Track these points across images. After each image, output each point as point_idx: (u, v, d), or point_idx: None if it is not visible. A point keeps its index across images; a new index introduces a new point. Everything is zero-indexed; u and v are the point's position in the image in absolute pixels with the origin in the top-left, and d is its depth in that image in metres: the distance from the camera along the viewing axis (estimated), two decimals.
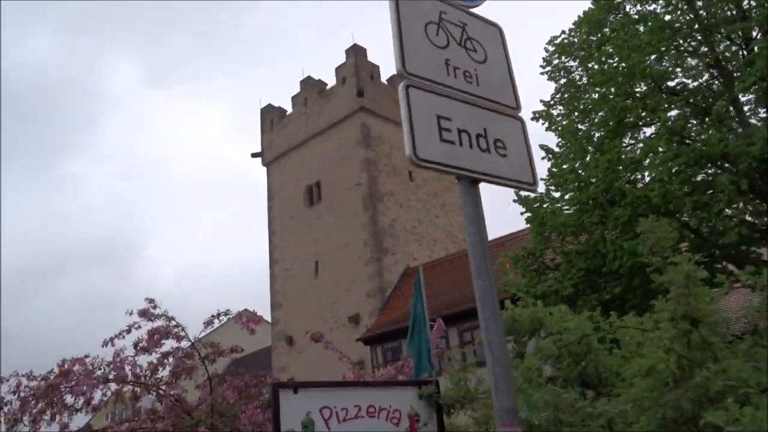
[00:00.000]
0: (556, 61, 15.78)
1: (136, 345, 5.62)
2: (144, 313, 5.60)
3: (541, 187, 14.31)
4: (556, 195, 13.99)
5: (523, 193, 13.94)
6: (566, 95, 15.12)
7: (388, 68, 34.67)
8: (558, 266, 14.46)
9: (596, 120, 14.25)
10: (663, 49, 12.43)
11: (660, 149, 10.14)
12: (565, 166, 13.95)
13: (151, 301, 5.74)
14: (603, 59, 14.53)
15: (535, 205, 13.63)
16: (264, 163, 33.42)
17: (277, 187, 32.34)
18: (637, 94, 12.83)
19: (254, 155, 33.81)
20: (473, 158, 2.36)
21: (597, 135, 13.43)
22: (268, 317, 31.54)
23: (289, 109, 33.26)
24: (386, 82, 31.70)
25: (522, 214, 13.82)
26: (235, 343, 6.31)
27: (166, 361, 5.78)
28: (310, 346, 28.61)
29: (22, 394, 5.40)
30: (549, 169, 14.12)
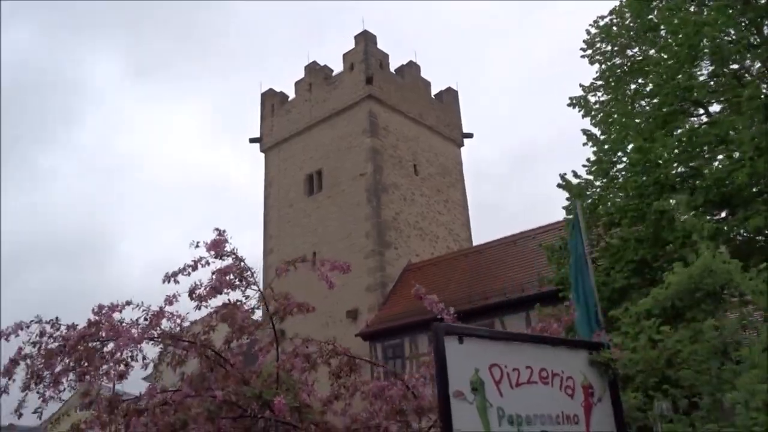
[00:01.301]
0: (599, 44, 14.94)
1: (192, 292, 4.45)
2: (215, 246, 4.42)
3: (585, 174, 13.40)
4: (598, 182, 13.12)
5: (569, 178, 13.01)
6: (611, 79, 14.25)
7: (397, 57, 33.71)
8: (595, 260, 13.55)
9: (646, 104, 13.42)
10: (730, 30, 11.61)
11: (741, 126, 9.24)
12: (607, 148, 13.07)
13: (221, 233, 4.57)
14: (655, 41, 13.70)
15: (579, 192, 12.69)
16: (262, 149, 32.15)
17: (275, 175, 31.08)
18: (699, 76, 11.99)
19: (252, 140, 32.54)
20: None
21: (646, 120, 12.56)
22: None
23: (292, 95, 32.07)
24: (395, 72, 30.70)
25: (567, 199, 12.85)
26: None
27: (235, 311, 4.62)
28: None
29: (45, 346, 4.23)
30: (595, 155, 13.20)
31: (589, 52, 15.07)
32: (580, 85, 15.04)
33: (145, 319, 4.40)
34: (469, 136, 33.44)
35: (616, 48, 14.89)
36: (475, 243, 29.39)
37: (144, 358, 5.10)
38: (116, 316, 4.63)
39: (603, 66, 14.85)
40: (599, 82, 14.74)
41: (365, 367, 6.85)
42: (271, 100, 32.49)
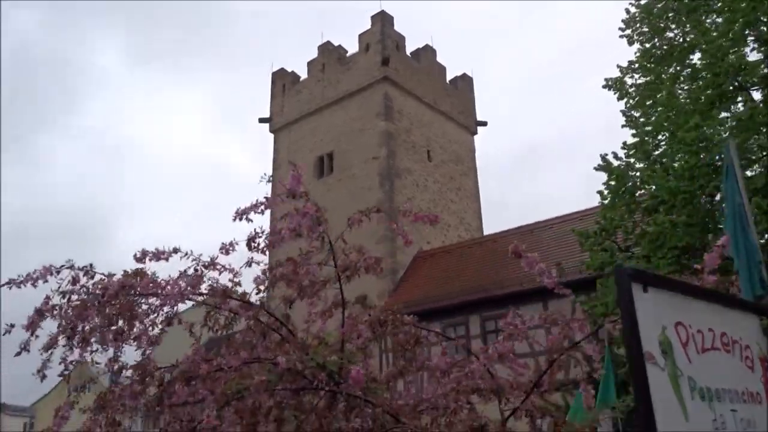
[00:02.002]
0: (638, 24, 14.27)
1: (251, 240, 3.77)
2: (293, 182, 3.73)
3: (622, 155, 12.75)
4: (639, 165, 12.48)
5: (610, 159, 12.36)
6: (652, 60, 13.58)
7: (414, 40, 32.82)
8: (628, 248, 12.93)
9: (688, 87, 12.77)
10: None
11: None
12: (649, 130, 12.42)
13: (295, 166, 3.91)
14: (700, 20, 13.03)
15: (617, 174, 12.02)
16: (272, 130, 31.41)
17: (284, 156, 30.33)
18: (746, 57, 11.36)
19: (262, 120, 31.79)
20: None
21: (695, 101, 11.91)
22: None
23: (303, 75, 31.30)
24: (410, 56, 29.94)
25: (605, 184, 12.18)
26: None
27: (299, 266, 3.97)
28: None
29: (76, 297, 3.56)
30: (635, 137, 12.54)
31: (628, 32, 14.41)
32: (618, 66, 14.38)
33: (195, 270, 3.75)
34: (483, 124, 32.73)
35: (653, 29, 14.25)
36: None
37: (179, 321, 4.45)
38: (153, 268, 3.97)
39: (642, 47, 14.20)
40: (638, 63, 14.09)
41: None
42: (282, 80, 31.72)
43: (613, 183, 12.08)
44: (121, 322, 3.71)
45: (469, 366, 4.17)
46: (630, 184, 11.80)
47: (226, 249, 3.78)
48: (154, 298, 3.83)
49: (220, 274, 3.81)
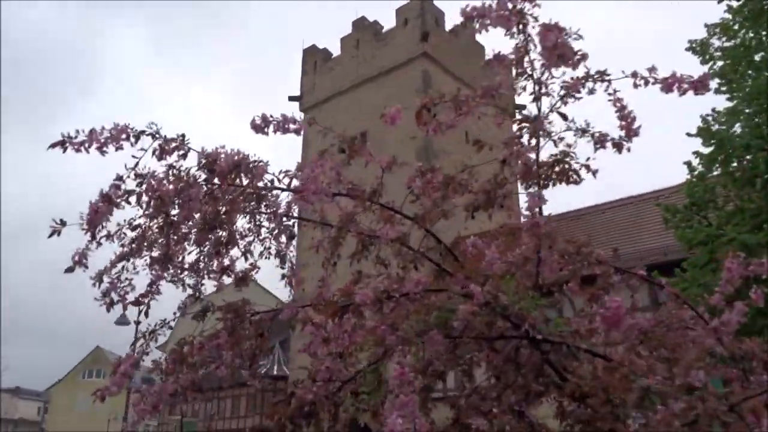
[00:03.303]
0: None
1: (423, 109, 2.38)
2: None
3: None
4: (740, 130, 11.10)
5: (709, 121, 10.99)
6: (743, 20, 12.16)
7: (454, 17, 31.46)
8: (720, 226, 11.54)
9: None
10: None
11: None
12: (748, 92, 11.03)
13: None
14: None
15: (719, 139, 10.62)
16: (302, 109, 30.15)
17: (315, 136, 28.94)
18: None
19: (292, 99, 30.56)
20: None
21: None
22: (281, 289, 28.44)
23: (336, 53, 30.01)
24: (449, 32, 28.54)
25: (695, 153, 10.81)
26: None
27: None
28: None
29: (161, 181, 2.30)
30: (732, 100, 11.14)
31: None
32: (705, 26, 12.96)
33: (342, 150, 2.47)
34: (522, 107, 31.23)
35: None
36: None
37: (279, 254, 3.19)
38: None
39: (731, 6, 12.79)
40: (727, 24, 12.66)
41: None
42: (314, 57, 30.45)
43: (709, 150, 10.72)
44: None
45: (711, 323, 2.86)
46: (731, 150, 10.42)
47: (392, 117, 2.53)
48: (276, 195, 2.56)
49: (366, 165, 2.59)
